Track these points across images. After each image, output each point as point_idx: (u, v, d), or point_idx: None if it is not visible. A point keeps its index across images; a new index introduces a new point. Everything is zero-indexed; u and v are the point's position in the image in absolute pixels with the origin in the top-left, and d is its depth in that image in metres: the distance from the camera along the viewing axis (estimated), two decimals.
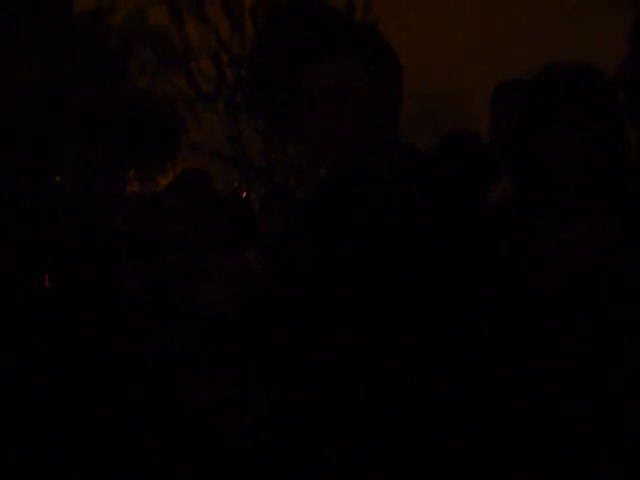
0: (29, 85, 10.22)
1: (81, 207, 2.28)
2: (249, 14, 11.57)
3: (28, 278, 1.68)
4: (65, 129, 10.75)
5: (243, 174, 11.90)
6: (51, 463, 1.53)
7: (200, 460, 1.58)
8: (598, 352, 0.99)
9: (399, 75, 1.12)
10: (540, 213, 1.15)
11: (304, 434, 1.03)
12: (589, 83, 1.12)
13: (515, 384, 0.99)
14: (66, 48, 10.59)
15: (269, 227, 2.65)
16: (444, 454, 0.98)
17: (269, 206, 2.84)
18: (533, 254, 1.07)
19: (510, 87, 1.76)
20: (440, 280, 1.00)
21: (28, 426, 1.52)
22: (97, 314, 1.66)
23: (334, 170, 1.11)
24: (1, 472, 1.49)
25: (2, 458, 1.50)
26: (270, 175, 11.11)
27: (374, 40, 1.11)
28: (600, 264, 1.03)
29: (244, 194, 10.52)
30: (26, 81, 10.23)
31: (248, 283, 1.72)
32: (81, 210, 2.21)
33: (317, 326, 1.04)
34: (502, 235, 1.08)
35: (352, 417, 1.00)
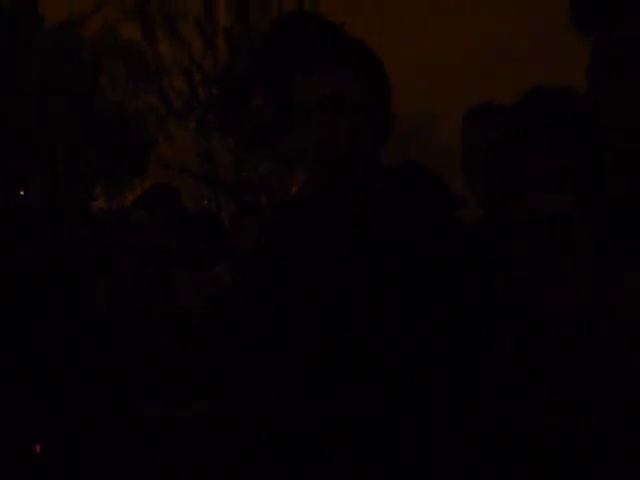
0: None
1: (46, 222, 2.24)
2: (223, 33, 11.63)
3: None
4: (32, 144, 10.54)
5: (213, 191, 11.84)
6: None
7: (172, 476, 1.54)
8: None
9: (388, 88, 1.13)
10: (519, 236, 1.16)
11: (304, 435, 1.03)
12: (575, 106, 1.14)
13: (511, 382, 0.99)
14: (35, 61, 10.43)
15: (240, 242, 2.62)
16: (444, 454, 0.98)
17: (240, 222, 2.82)
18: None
19: (482, 111, 1.79)
20: (429, 286, 1.02)
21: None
22: (62, 329, 1.62)
23: (325, 179, 1.10)
24: None
25: None
26: (240, 192, 11.07)
27: (365, 52, 1.12)
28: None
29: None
30: None
31: (220, 296, 1.70)
32: (46, 225, 2.17)
33: (310, 331, 1.04)
34: (480, 247, 1.09)
35: (350, 418, 1.00)
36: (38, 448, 1.63)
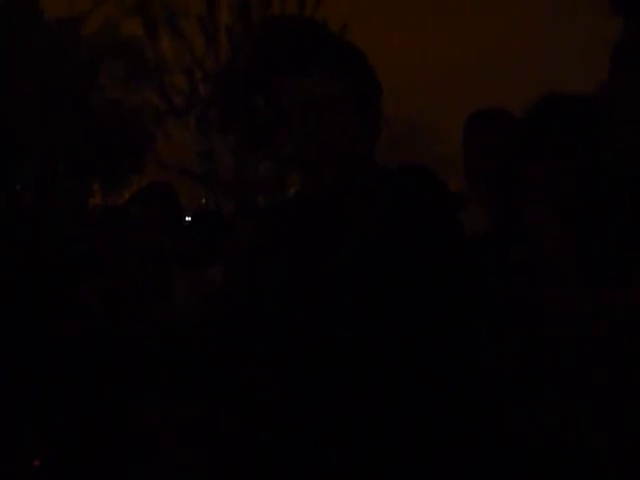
0: None
1: (43, 220, 2.22)
2: (225, 31, 11.63)
3: None
4: (30, 140, 10.51)
5: (211, 190, 11.83)
6: None
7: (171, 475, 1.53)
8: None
9: (379, 93, 1.14)
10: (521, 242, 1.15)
11: (303, 435, 1.03)
12: (585, 113, 1.14)
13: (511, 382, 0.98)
14: (34, 58, 10.41)
15: (236, 243, 2.59)
16: (443, 454, 0.99)
17: (236, 223, 2.79)
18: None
19: (483, 116, 1.78)
20: (426, 287, 1.02)
21: None
22: (50, 329, 1.60)
23: (319, 180, 1.10)
24: None
25: None
26: (239, 192, 11.07)
27: (356, 56, 1.13)
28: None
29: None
30: None
31: (215, 295, 1.69)
32: (43, 224, 2.15)
33: (308, 332, 1.04)
34: (477, 249, 1.09)
35: (349, 419, 1.00)
36: (37, 462, 1.62)
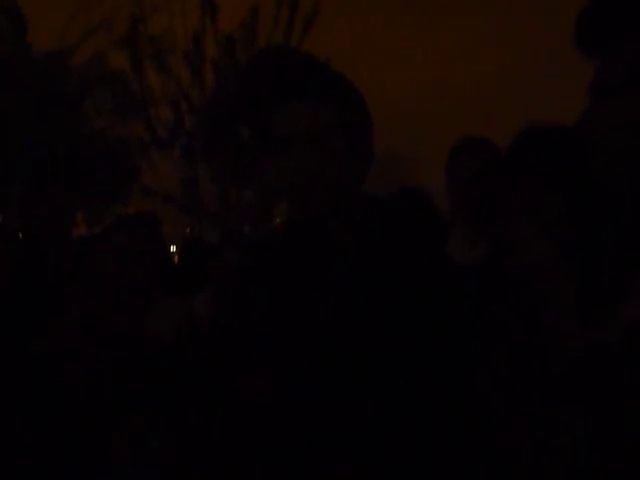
0: None
1: (26, 249, 2.20)
2: (210, 64, 11.80)
3: None
4: (14, 167, 10.47)
5: (197, 219, 11.81)
6: None
7: None
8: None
9: (369, 124, 1.13)
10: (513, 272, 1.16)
11: (298, 442, 1.02)
12: (565, 144, 1.14)
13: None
14: (21, 89, 10.45)
15: (221, 272, 2.59)
16: (437, 460, 0.99)
17: (221, 252, 2.80)
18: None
19: (466, 145, 1.83)
20: (410, 312, 1.02)
21: None
22: (29, 354, 1.57)
23: (303, 209, 1.11)
24: None
25: None
26: (224, 221, 11.07)
27: (344, 86, 1.13)
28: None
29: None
30: None
31: (194, 322, 1.68)
32: (26, 252, 2.14)
33: (292, 361, 1.04)
34: (462, 276, 1.10)
35: (341, 429, 1.00)
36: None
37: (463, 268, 1.31)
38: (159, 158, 11.95)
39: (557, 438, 0.96)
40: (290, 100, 1.07)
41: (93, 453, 1.51)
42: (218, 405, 1.13)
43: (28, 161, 10.40)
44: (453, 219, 1.91)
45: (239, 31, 11.81)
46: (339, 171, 1.07)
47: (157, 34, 11.59)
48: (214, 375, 1.17)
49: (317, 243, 1.09)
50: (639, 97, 0.77)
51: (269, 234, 1.40)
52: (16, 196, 10.03)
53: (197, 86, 11.79)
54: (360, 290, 1.04)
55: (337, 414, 1.00)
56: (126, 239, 1.69)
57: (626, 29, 0.78)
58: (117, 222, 1.81)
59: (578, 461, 0.93)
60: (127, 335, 1.60)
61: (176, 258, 4.15)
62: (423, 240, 1.13)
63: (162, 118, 11.84)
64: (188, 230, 12.38)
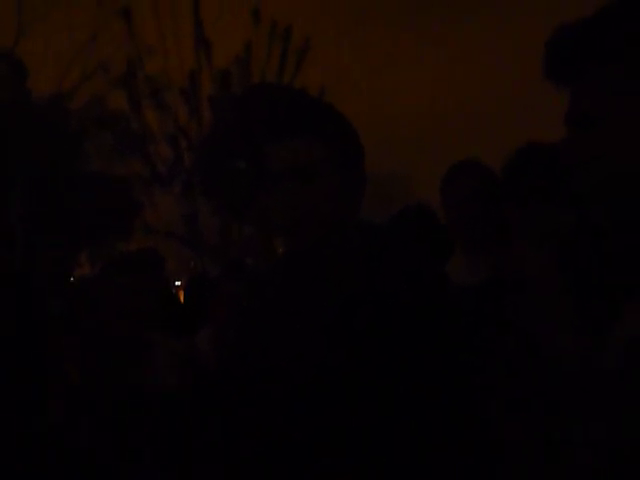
0: None
1: (30, 296, 2.20)
2: (207, 100, 11.99)
3: None
4: (15, 209, 10.56)
5: (198, 254, 11.85)
6: None
7: None
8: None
9: (361, 155, 1.14)
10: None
11: (297, 445, 1.02)
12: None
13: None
14: (20, 132, 10.61)
15: (221, 307, 2.58)
16: (436, 460, 0.99)
17: (221, 286, 2.79)
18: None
19: (462, 166, 1.85)
20: (409, 338, 1.02)
21: None
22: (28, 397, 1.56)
23: (299, 243, 1.11)
24: None
25: None
26: (225, 255, 11.08)
27: (337, 120, 1.13)
28: None
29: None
30: None
31: (195, 363, 1.66)
32: (30, 298, 2.14)
33: (293, 391, 1.04)
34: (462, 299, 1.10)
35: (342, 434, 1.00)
36: None
37: (461, 287, 1.31)
38: (159, 194, 12.05)
39: (555, 449, 0.94)
40: (283, 137, 1.08)
41: None
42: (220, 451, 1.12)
43: (30, 203, 10.50)
44: (450, 238, 1.92)
45: (233, 66, 12.03)
46: (334, 204, 1.08)
47: (153, 73, 11.82)
48: (218, 419, 1.16)
49: (313, 275, 1.10)
50: (617, 128, 0.77)
51: (269, 268, 1.41)
52: (19, 237, 10.11)
53: (195, 122, 11.96)
54: (355, 317, 1.03)
55: (336, 427, 1.00)
56: (125, 277, 1.68)
57: (598, 58, 0.79)
58: (117, 260, 1.80)
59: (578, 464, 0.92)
60: (127, 378, 1.58)
61: (181, 293, 4.15)
62: (420, 262, 1.12)
63: (161, 155, 11.99)
64: (192, 264, 12.39)
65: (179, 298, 3.86)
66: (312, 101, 1.21)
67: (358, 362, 1.01)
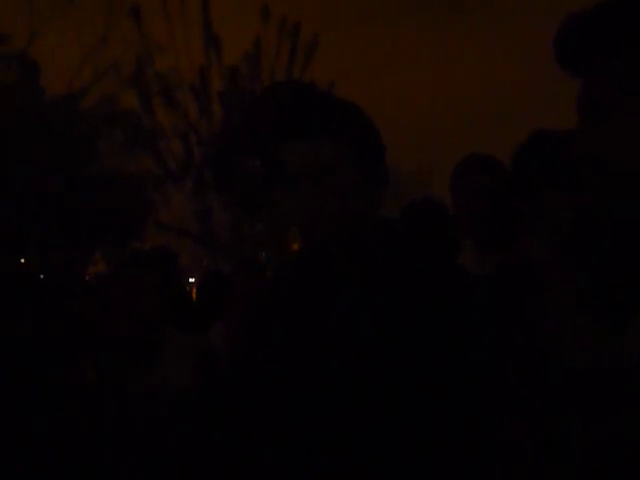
0: None
1: (45, 295, 2.21)
2: (217, 96, 12.02)
3: None
4: (30, 211, 10.68)
5: (210, 251, 11.90)
6: None
7: None
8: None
9: (382, 154, 1.12)
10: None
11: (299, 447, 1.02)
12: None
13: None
14: (35, 133, 10.71)
15: (234, 303, 2.59)
16: (437, 460, 0.98)
17: (234, 282, 2.80)
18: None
19: (472, 161, 1.82)
20: (417, 336, 1.00)
21: None
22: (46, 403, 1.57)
23: (309, 245, 1.11)
24: None
25: None
26: (238, 251, 11.13)
27: (356, 119, 1.11)
28: None
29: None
30: None
31: (208, 361, 1.66)
32: (46, 298, 2.15)
33: (304, 391, 1.04)
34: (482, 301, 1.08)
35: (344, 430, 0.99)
36: None
37: (475, 280, 1.29)
38: (172, 192, 12.12)
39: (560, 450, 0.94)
40: (298, 137, 1.06)
41: None
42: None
43: (44, 203, 10.60)
44: (461, 236, 1.90)
45: (243, 63, 12.04)
46: (351, 202, 1.06)
47: (163, 71, 11.86)
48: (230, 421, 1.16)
49: (324, 274, 1.09)
50: (628, 121, 0.75)
51: (282, 267, 1.40)
52: (34, 240, 10.22)
53: (205, 119, 12.00)
54: (364, 316, 1.03)
55: (342, 428, 0.99)
56: (134, 276, 1.69)
57: (609, 48, 0.77)
58: (126, 258, 1.79)
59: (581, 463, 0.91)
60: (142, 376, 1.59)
61: (194, 290, 4.16)
62: (428, 258, 1.10)
63: (173, 152, 12.04)
64: (205, 262, 12.45)
65: (192, 295, 3.87)
66: (327, 99, 1.17)
67: (367, 362, 1.00)
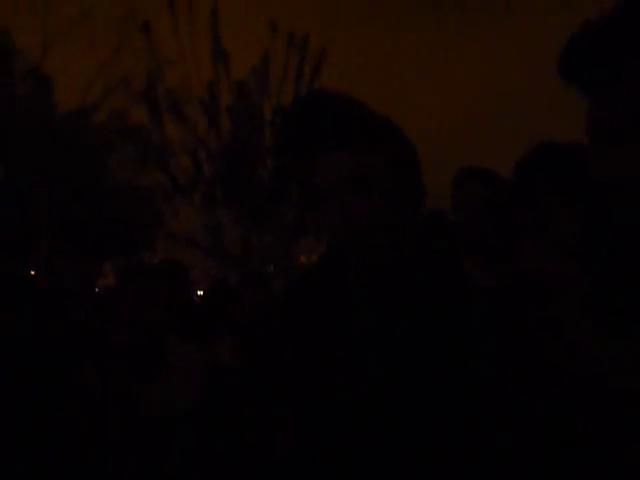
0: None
1: (55, 303, 2.23)
2: (225, 111, 12.11)
3: None
4: (41, 222, 10.78)
5: (219, 263, 11.93)
6: None
7: None
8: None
9: (418, 167, 1.12)
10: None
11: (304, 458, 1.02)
12: (575, 157, 1.12)
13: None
14: (47, 147, 10.84)
15: (241, 315, 2.61)
16: (438, 464, 0.97)
17: (241, 294, 2.82)
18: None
19: (471, 170, 1.83)
20: (427, 340, 1.01)
21: None
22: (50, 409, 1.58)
23: (340, 248, 1.09)
24: None
25: None
26: (246, 263, 11.14)
27: (393, 132, 1.10)
28: None
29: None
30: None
31: (213, 372, 1.67)
32: (55, 306, 2.16)
33: (316, 396, 1.04)
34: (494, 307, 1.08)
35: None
36: None
37: (477, 289, 1.29)
38: (182, 205, 12.18)
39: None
40: (336, 147, 1.04)
41: None
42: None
43: (54, 215, 10.70)
44: (461, 247, 1.90)
45: (251, 77, 12.13)
46: (382, 218, 1.04)
47: (173, 86, 11.99)
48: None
49: (337, 279, 1.08)
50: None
51: (294, 280, 1.38)
52: (44, 250, 10.29)
53: (214, 133, 12.09)
54: (367, 324, 1.03)
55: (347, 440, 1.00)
56: (145, 287, 1.70)
57: (621, 72, 0.74)
58: (132, 269, 1.80)
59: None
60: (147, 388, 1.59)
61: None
62: (430, 269, 1.10)
63: (182, 165, 12.12)
64: (214, 274, 12.47)
65: (198, 306, 3.89)
66: (368, 112, 1.16)
67: (369, 370, 1.01)
